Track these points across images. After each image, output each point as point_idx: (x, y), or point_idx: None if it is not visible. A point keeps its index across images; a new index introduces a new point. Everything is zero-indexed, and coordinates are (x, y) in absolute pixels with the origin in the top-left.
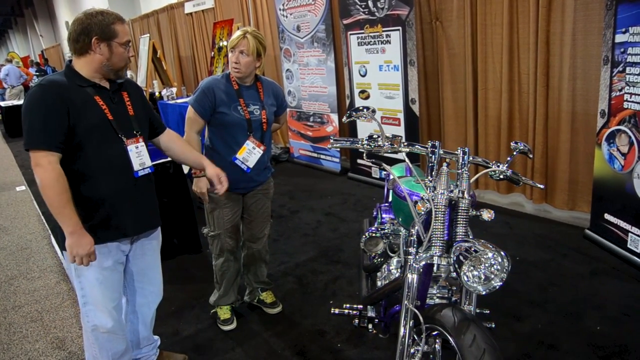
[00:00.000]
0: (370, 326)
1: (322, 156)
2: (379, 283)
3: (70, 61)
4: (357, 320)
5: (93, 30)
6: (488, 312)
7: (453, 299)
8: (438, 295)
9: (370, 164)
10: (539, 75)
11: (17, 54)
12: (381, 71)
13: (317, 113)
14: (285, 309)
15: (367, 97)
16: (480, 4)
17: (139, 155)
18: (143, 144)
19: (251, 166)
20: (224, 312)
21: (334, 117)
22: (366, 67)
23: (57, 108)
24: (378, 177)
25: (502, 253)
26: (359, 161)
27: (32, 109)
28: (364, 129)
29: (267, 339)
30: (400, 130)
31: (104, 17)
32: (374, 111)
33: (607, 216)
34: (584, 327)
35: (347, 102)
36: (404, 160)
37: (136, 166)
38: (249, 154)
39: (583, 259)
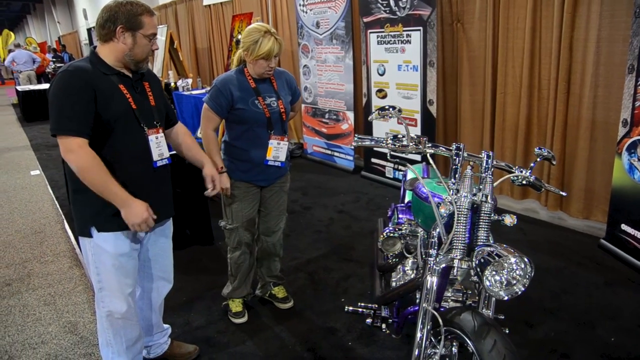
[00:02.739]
0: (384, 326)
1: (336, 153)
2: (393, 283)
3: (95, 47)
4: (370, 320)
5: (119, 18)
6: (503, 317)
7: (467, 302)
8: (452, 298)
9: (392, 163)
10: (560, 82)
11: (35, 39)
12: (400, 71)
13: (332, 110)
14: (297, 304)
15: (385, 97)
16: (504, 7)
17: (158, 146)
18: (162, 134)
19: (284, 160)
20: (236, 305)
21: (350, 114)
22: (385, 66)
23: (85, 94)
24: (392, 176)
25: (526, 259)
26: (373, 160)
27: (59, 94)
28: (380, 127)
29: (278, 334)
30: (416, 131)
31: (132, 7)
32: (400, 110)
33: (623, 226)
34: (598, 337)
35: (364, 100)
36: (419, 161)
37: (155, 156)
38: (277, 150)
39: (597, 268)
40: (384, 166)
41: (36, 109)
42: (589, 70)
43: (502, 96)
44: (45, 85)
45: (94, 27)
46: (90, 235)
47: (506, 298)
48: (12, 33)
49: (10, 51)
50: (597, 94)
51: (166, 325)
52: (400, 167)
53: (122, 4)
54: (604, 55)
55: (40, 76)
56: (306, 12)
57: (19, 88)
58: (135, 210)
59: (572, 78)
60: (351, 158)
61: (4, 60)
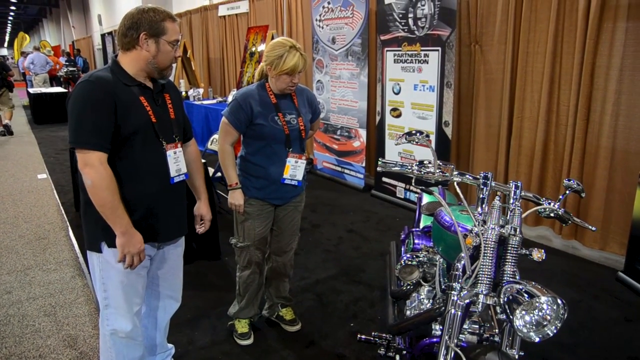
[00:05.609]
0: (397, 357)
1: (347, 171)
2: (407, 312)
3: (116, 56)
4: (383, 350)
5: (142, 25)
6: (523, 354)
7: (485, 335)
8: (469, 330)
9: (418, 189)
10: (579, 108)
11: (49, 42)
12: (416, 90)
13: (345, 127)
14: (304, 327)
15: (399, 116)
16: (524, 31)
17: (176, 161)
18: (181, 149)
19: (300, 179)
20: (242, 326)
21: (362, 132)
22: (400, 85)
23: (106, 106)
24: (403, 197)
25: (559, 300)
26: (384, 179)
27: (81, 106)
28: (393, 147)
29: (285, 358)
30: (430, 153)
31: (155, 14)
32: (427, 136)
33: None
34: None
35: (377, 118)
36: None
37: (173, 172)
38: (294, 169)
39: (616, 302)
40: (394, 186)
41: (46, 111)
42: (610, 98)
43: (518, 120)
44: (57, 89)
45: (108, 34)
46: (99, 251)
47: (537, 340)
48: (27, 35)
49: (23, 53)
50: (618, 122)
51: (170, 345)
52: (434, 194)
53: (144, 11)
54: (626, 83)
55: (52, 79)
56: (322, 27)
57: (31, 90)
58: (136, 239)
59: (592, 105)
60: (361, 176)
61: (17, 61)
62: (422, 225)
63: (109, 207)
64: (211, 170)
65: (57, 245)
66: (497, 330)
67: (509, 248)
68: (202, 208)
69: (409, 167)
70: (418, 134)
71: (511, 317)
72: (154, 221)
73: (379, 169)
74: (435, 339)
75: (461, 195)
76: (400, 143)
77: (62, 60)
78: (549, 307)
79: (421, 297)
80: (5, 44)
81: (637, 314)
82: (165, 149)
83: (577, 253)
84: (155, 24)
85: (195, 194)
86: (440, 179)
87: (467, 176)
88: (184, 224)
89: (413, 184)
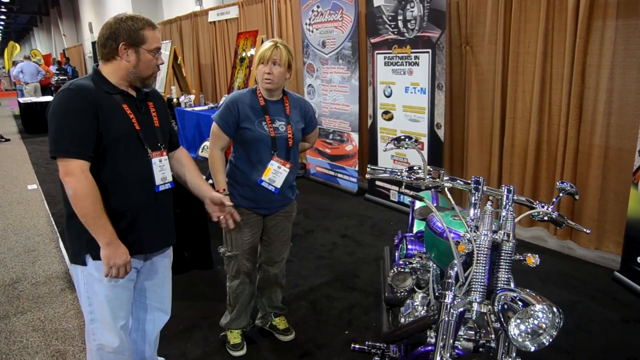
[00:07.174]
0: None
1: (340, 175)
2: (402, 319)
3: (97, 65)
4: (378, 359)
5: (121, 35)
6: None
7: (480, 342)
8: (464, 337)
9: (407, 196)
10: (571, 108)
11: (40, 51)
12: (407, 93)
13: (337, 131)
14: (298, 336)
15: (391, 119)
16: (514, 31)
17: (161, 169)
18: (166, 157)
19: (279, 186)
20: (235, 337)
21: (355, 136)
22: (391, 88)
23: (87, 114)
24: (396, 200)
25: (555, 309)
26: (378, 183)
27: (60, 114)
28: (385, 151)
29: None
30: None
31: (133, 22)
32: (416, 141)
33: None
34: None
35: (369, 122)
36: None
37: (158, 180)
38: (275, 174)
39: (613, 303)
40: (388, 189)
41: (37, 121)
42: (602, 97)
43: (511, 121)
44: (48, 98)
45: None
46: (84, 263)
47: (533, 349)
48: (17, 45)
49: (15, 62)
50: (610, 121)
51: (161, 359)
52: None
53: (122, 20)
54: (617, 81)
55: (44, 88)
56: (312, 32)
57: (21, 100)
58: (121, 250)
59: (584, 104)
60: (355, 180)
61: (8, 71)
62: (415, 230)
63: (92, 217)
64: None
65: (46, 257)
66: (493, 336)
67: (503, 254)
68: (212, 196)
69: (399, 174)
70: (407, 139)
71: (506, 325)
72: (140, 232)
73: (368, 176)
74: (430, 347)
75: (452, 201)
76: (389, 149)
77: (53, 69)
78: (544, 316)
79: (415, 303)
80: None
81: (635, 314)
82: (150, 156)
83: (573, 253)
84: (133, 33)
85: (199, 193)
86: (430, 185)
87: (458, 181)
88: (171, 234)
89: (403, 189)
